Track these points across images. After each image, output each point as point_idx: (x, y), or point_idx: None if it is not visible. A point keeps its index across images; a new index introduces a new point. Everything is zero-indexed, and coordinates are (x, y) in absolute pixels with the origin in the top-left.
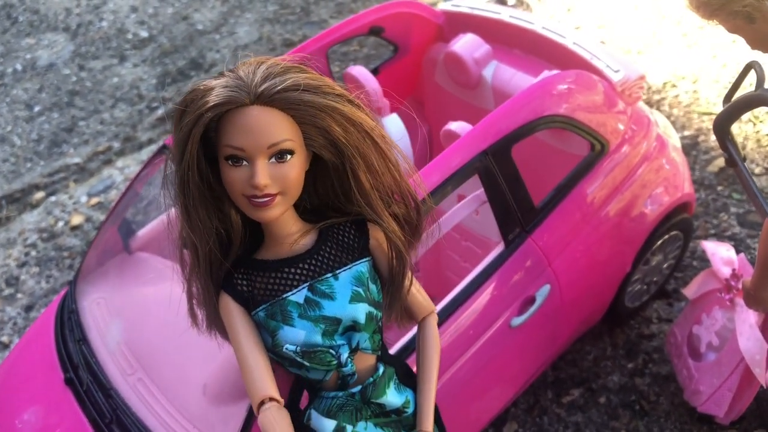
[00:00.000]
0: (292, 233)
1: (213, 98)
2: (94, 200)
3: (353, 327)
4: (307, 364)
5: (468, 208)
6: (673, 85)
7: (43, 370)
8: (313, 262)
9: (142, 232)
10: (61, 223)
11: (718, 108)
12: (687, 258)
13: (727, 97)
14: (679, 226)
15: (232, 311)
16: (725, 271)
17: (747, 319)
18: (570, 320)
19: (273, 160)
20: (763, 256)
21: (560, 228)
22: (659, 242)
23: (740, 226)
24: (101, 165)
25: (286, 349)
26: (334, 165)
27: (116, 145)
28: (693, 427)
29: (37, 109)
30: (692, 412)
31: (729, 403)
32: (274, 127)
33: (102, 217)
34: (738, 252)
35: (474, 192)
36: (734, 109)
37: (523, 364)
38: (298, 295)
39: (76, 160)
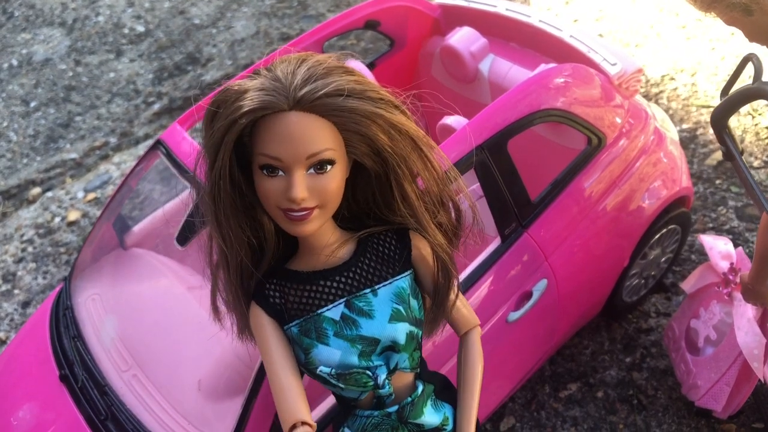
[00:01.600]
0: (329, 244)
1: (248, 102)
2: (91, 196)
3: (392, 347)
4: (342, 386)
5: (464, 203)
6: (672, 78)
7: (37, 367)
8: (351, 275)
9: (137, 228)
10: (57, 219)
11: (717, 101)
12: (685, 252)
13: (725, 90)
14: (677, 220)
15: (264, 325)
16: (723, 265)
17: (745, 313)
18: (567, 315)
19: (312, 171)
20: (761, 250)
21: (557, 222)
22: (657, 236)
23: (739, 219)
24: (98, 160)
25: (320, 371)
26: (376, 173)
27: (113, 140)
28: (691, 421)
29: (33, 104)
30: (690, 407)
31: (727, 398)
32: (315, 135)
33: (99, 213)
34: (736, 246)
35: (470, 186)
36: (732, 102)
37: (520, 359)
38: (335, 312)
39: (73, 155)
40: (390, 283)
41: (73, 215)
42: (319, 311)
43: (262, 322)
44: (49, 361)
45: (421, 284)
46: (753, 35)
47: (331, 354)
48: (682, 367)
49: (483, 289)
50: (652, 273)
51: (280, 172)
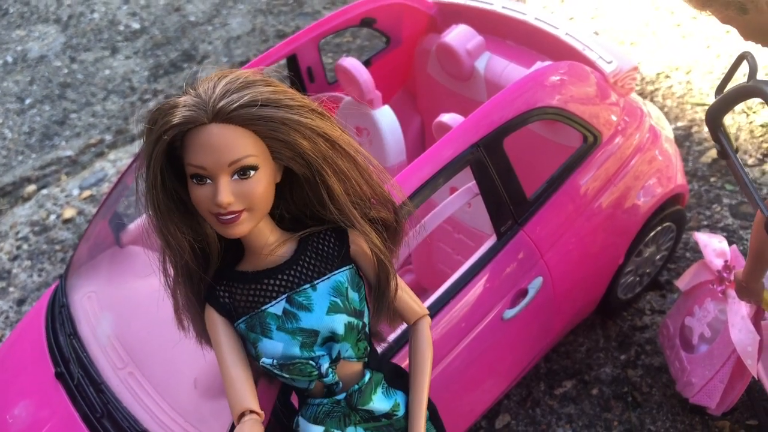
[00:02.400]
0: (269, 244)
1: (173, 118)
2: (86, 193)
3: (332, 338)
4: (286, 376)
5: (460, 201)
6: (667, 76)
7: (33, 365)
8: (292, 272)
9: (133, 226)
10: (53, 217)
11: (712, 99)
12: (680, 249)
13: (720, 89)
14: (671, 217)
15: (216, 323)
16: (717, 263)
17: (739, 310)
18: (562, 312)
19: (236, 177)
20: (755, 248)
21: (553, 220)
22: (652, 234)
23: (733, 217)
24: (93, 158)
25: (263, 362)
26: (305, 176)
27: (108, 137)
28: (685, 418)
29: (28, 101)
30: (684, 404)
31: (721, 395)
32: (234, 144)
33: (94, 210)
34: (731, 243)
35: (466, 184)
36: (727, 100)
37: (516, 356)
38: (277, 307)
39: (68, 152)
40: (328, 278)
41: (68, 213)
42: (263, 308)
43: (215, 320)
44: (44, 358)
45: (366, 278)
46: (748, 33)
47: (274, 346)
48: (676, 365)
49: (479, 286)
50: (647, 270)
51: (208, 180)
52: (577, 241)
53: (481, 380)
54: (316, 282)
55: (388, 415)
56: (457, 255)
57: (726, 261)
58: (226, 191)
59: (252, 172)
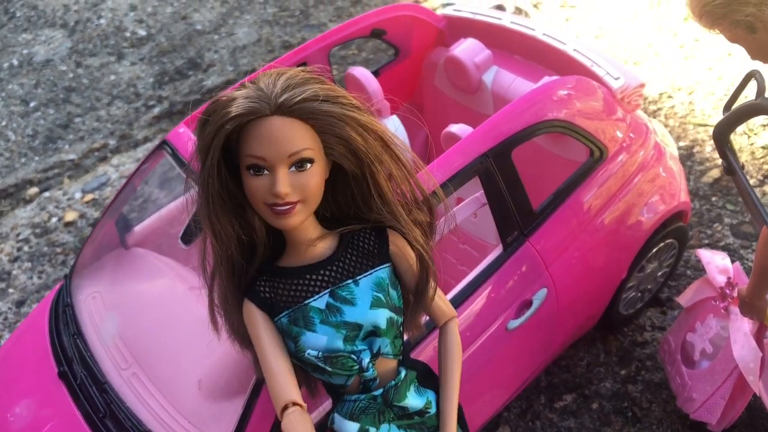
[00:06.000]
0: (311, 239)
1: (234, 109)
2: (89, 197)
3: (374, 332)
4: (329, 369)
5: (466, 211)
6: (669, 96)
7: (36, 364)
8: (334, 268)
9: (139, 228)
10: (54, 219)
11: (714, 120)
12: (680, 267)
13: (728, 106)
14: (674, 234)
15: (256, 318)
16: (720, 280)
17: (741, 327)
18: (566, 325)
19: (293, 168)
20: (760, 264)
21: (558, 232)
22: (655, 250)
23: (734, 236)
24: (96, 162)
25: (308, 354)
26: (353, 173)
27: (112, 142)
28: None
29: (32, 104)
30: (684, 420)
31: (722, 411)
32: (294, 136)
33: (96, 214)
34: (732, 261)
35: (473, 195)
36: (734, 117)
37: (518, 367)
38: (320, 301)
39: (71, 156)
40: (370, 273)
41: (70, 216)
42: (306, 301)
43: (254, 314)
44: (47, 358)
45: (401, 279)
46: (755, 52)
47: (317, 339)
48: (677, 380)
49: (484, 296)
50: (649, 287)
51: (265, 171)
52: (581, 255)
53: (483, 391)
54: (358, 277)
55: (420, 413)
56: (461, 266)
57: (729, 278)
58: (285, 182)
59: (308, 165)
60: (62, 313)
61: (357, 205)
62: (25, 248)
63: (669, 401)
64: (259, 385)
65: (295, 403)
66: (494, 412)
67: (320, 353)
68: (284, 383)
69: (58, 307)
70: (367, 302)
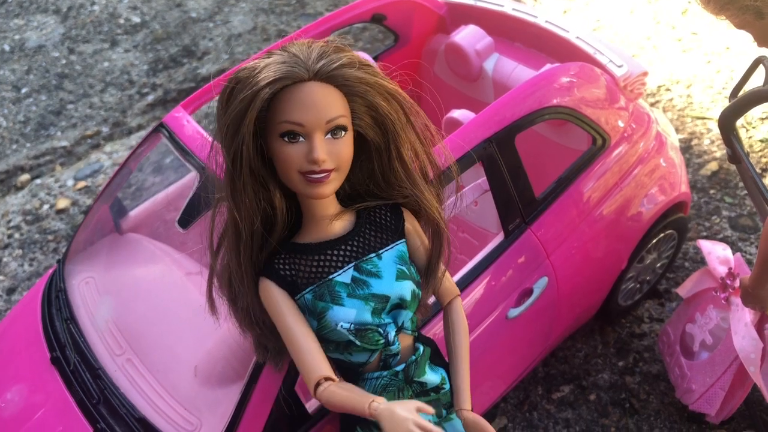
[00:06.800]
0: (330, 215)
1: (271, 74)
2: (81, 184)
3: (400, 305)
4: (359, 343)
5: (469, 197)
6: (668, 89)
7: (28, 349)
8: (356, 243)
9: (134, 213)
10: (46, 206)
11: (712, 113)
12: (679, 259)
13: (734, 93)
14: (674, 225)
15: (277, 297)
16: (721, 270)
17: (742, 317)
18: (565, 314)
19: (329, 136)
20: (764, 253)
21: (560, 220)
22: (654, 240)
23: (732, 229)
24: (89, 149)
25: (341, 327)
26: (377, 146)
27: (105, 129)
28: (683, 426)
29: (24, 90)
30: (682, 412)
31: (721, 402)
32: (331, 102)
33: (89, 202)
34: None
35: (476, 180)
36: (741, 104)
37: (517, 357)
38: (345, 276)
39: (64, 143)
40: (392, 247)
41: (62, 203)
42: (330, 276)
43: (274, 293)
44: (39, 343)
45: (413, 257)
46: (763, 39)
47: (346, 313)
48: (676, 371)
49: (485, 283)
50: (647, 278)
51: (301, 138)
52: (582, 244)
53: (481, 381)
54: (381, 251)
55: (437, 389)
56: (460, 254)
57: (730, 268)
58: (322, 148)
59: (343, 133)
60: (55, 297)
61: (375, 182)
62: (16, 235)
63: (667, 393)
64: (258, 371)
65: (327, 378)
66: (492, 402)
67: (352, 326)
68: (315, 359)
69: (50, 291)
70: (393, 275)
